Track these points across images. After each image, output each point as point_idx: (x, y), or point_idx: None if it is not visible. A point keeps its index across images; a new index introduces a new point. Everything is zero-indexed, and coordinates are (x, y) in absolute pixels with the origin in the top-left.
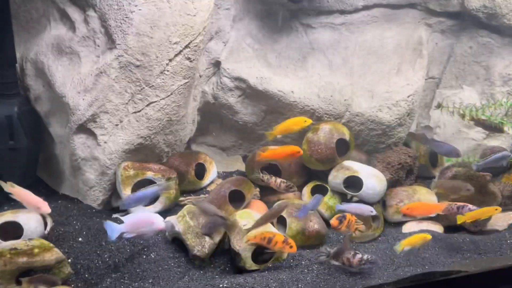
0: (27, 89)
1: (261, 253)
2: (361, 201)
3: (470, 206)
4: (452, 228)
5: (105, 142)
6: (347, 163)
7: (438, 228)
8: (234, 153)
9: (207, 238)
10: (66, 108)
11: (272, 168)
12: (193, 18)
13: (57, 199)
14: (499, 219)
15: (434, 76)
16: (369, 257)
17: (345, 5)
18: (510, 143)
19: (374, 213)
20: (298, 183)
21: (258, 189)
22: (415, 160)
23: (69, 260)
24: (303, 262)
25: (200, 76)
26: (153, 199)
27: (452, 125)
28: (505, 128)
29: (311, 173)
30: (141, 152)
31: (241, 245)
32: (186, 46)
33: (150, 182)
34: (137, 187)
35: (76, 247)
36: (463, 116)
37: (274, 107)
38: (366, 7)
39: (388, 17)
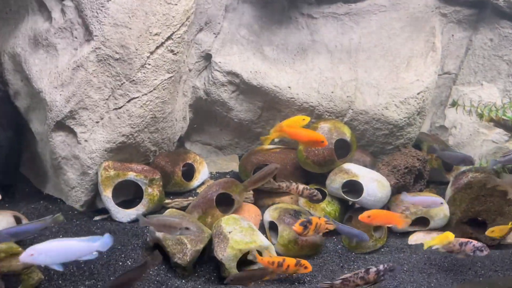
0: (6, 84)
1: (248, 262)
2: (362, 208)
3: (474, 242)
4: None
5: (85, 140)
6: (346, 166)
7: None
8: (231, 152)
9: (188, 245)
10: (43, 104)
11: (259, 167)
12: (175, 7)
13: (40, 199)
14: None
15: (450, 71)
16: (386, 266)
17: None
18: None
19: (444, 205)
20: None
21: (252, 192)
22: (425, 163)
23: (43, 266)
24: (294, 274)
25: (190, 70)
26: (33, 234)
27: (469, 126)
28: None
29: (310, 175)
30: (125, 151)
31: (225, 254)
32: (169, 38)
33: (132, 183)
34: (119, 187)
35: None
36: (481, 116)
37: (270, 103)
38: None
39: (397, 6)
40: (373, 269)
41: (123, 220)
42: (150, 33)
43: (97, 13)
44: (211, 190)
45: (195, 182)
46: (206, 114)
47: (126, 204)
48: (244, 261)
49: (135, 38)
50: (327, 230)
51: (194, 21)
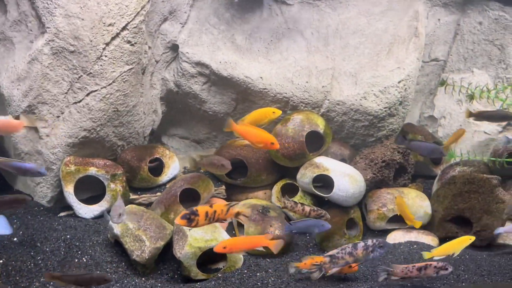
0: None
1: (212, 260)
2: (334, 204)
3: (434, 263)
4: (449, 240)
5: (47, 136)
6: (318, 159)
7: (430, 240)
8: (210, 146)
9: (147, 243)
10: (2, 98)
11: (238, 163)
12: None
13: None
14: None
15: (438, 58)
16: (375, 241)
17: None
18: None
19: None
20: (268, 180)
21: (223, 187)
22: (408, 156)
23: (1, 261)
24: (258, 274)
25: (157, 62)
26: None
27: (458, 116)
28: None
29: (285, 169)
30: (89, 146)
31: (183, 252)
32: (124, 28)
33: (94, 178)
34: (86, 183)
35: (10, 247)
36: (471, 97)
37: (244, 95)
38: None
39: None
40: (361, 244)
41: (86, 216)
42: (104, 23)
43: (48, 4)
44: (175, 185)
45: (164, 177)
46: (180, 107)
47: (95, 199)
48: (213, 259)
49: (88, 29)
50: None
51: (156, 10)
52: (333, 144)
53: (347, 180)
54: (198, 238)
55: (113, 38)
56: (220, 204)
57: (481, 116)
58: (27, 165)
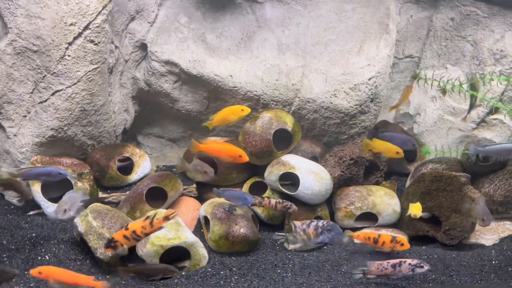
0: None
1: (178, 258)
2: (301, 202)
3: (409, 260)
4: (421, 238)
5: (14, 135)
6: (285, 157)
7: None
8: (186, 145)
9: None
10: None
11: (208, 161)
12: None
13: None
14: (489, 230)
15: (413, 55)
16: (324, 223)
17: None
18: (507, 135)
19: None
20: (238, 179)
21: (194, 185)
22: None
23: None
24: (221, 272)
25: (126, 61)
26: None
27: (433, 112)
28: (502, 116)
29: (256, 167)
30: (58, 146)
31: (144, 250)
32: (86, 28)
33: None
34: (57, 182)
35: None
36: (443, 92)
37: (215, 93)
38: None
39: None
40: (313, 223)
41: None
42: (65, 23)
43: (9, 5)
44: (142, 184)
45: (134, 176)
46: (153, 106)
47: None
48: (179, 257)
49: (50, 29)
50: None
51: (122, 10)
52: (304, 142)
53: (312, 178)
54: (160, 236)
55: (75, 38)
56: (136, 223)
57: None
58: (48, 169)
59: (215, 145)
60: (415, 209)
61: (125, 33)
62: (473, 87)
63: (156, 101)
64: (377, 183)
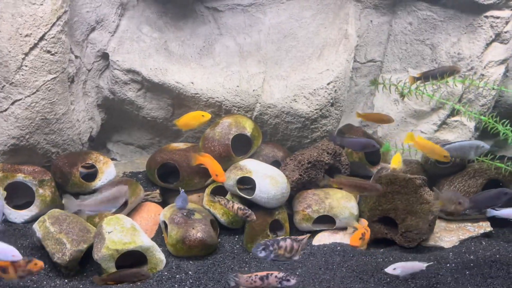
0: None
1: (136, 263)
2: (259, 206)
3: (276, 273)
4: (379, 241)
5: None
6: (242, 162)
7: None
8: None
9: (68, 245)
10: None
11: (170, 166)
12: (41, 8)
13: None
14: (449, 232)
15: (375, 59)
16: (283, 275)
17: None
18: (468, 136)
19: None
20: (201, 184)
21: (158, 191)
22: (340, 157)
23: None
24: (177, 276)
25: (89, 70)
26: None
27: (396, 116)
28: (462, 118)
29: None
30: (22, 154)
31: (100, 254)
32: (41, 39)
33: (22, 184)
34: (22, 189)
35: None
36: (401, 95)
37: (178, 100)
38: None
39: None
40: (274, 275)
41: (17, 221)
42: (21, 34)
43: None
44: (104, 189)
45: (97, 183)
46: (119, 114)
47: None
48: (137, 261)
49: (6, 40)
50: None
51: (81, 20)
52: (266, 147)
53: (268, 181)
54: (116, 241)
55: (31, 48)
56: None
57: (425, 76)
58: None
59: (207, 159)
60: (394, 163)
61: (86, 43)
62: None
63: (122, 109)
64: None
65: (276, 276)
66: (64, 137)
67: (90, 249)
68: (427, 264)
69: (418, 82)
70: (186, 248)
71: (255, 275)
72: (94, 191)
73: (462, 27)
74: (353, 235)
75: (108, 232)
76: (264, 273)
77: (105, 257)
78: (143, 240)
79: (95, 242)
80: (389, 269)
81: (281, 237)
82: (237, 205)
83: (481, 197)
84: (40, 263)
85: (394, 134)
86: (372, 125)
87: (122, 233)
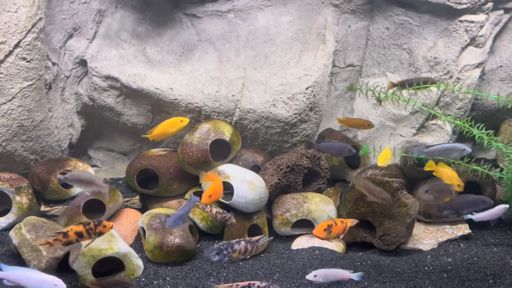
0: None
1: (114, 269)
2: (238, 210)
3: (258, 283)
4: (358, 245)
5: None
6: (221, 167)
7: (335, 245)
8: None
9: (44, 253)
10: None
11: (150, 172)
12: (16, 15)
13: None
14: (428, 234)
15: (354, 64)
16: (265, 284)
17: None
18: (446, 139)
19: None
20: (181, 189)
21: (137, 197)
22: (319, 161)
23: None
24: (155, 282)
25: (67, 77)
26: None
27: (375, 119)
28: (442, 122)
29: (196, 178)
30: None
31: (76, 261)
32: (16, 46)
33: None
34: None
35: None
36: (378, 100)
37: (157, 106)
38: None
39: (284, 0)
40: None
41: None
42: None
43: None
44: (80, 197)
45: (76, 189)
46: (100, 120)
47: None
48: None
49: None
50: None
51: (57, 27)
52: (246, 151)
53: (246, 186)
54: (92, 247)
55: (6, 56)
56: None
57: (402, 84)
58: None
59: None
60: (380, 161)
61: (64, 50)
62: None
63: (102, 116)
64: (319, 190)
65: (258, 286)
66: (42, 144)
67: (67, 256)
68: (358, 274)
69: (395, 88)
70: (164, 254)
71: (236, 285)
72: (72, 198)
73: (438, 31)
74: (317, 226)
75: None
76: (246, 283)
77: (81, 264)
78: (120, 246)
79: (72, 249)
80: (310, 276)
81: (236, 240)
82: (215, 209)
83: (460, 201)
84: (110, 224)
85: (374, 138)
86: (352, 129)
87: (99, 239)
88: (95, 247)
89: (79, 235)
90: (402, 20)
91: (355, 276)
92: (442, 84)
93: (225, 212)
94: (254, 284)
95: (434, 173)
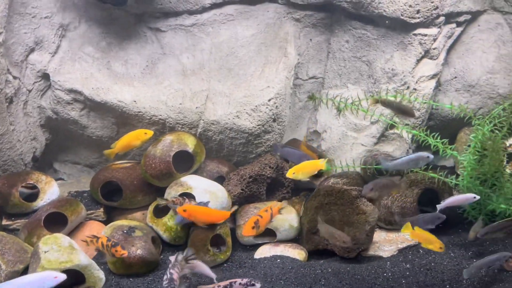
0: None
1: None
2: None
3: (239, 280)
4: (321, 252)
5: None
6: (184, 178)
7: (297, 253)
8: None
9: (3, 266)
10: None
11: (112, 184)
12: None
13: None
14: (389, 241)
15: (316, 76)
16: (247, 281)
17: (190, 4)
18: (406, 148)
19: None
20: (145, 201)
21: (102, 209)
22: (282, 171)
23: None
24: None
25: (29, 91)
26: None
27: (337, 129)
28: (399, 131)
29: (161, 189)
30: None
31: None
32: None
33: None
34: None
35: None
36: (338, 109)
37: (122, 119)
38: (215, 5)
39: (246, 14)
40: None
41: None
42: None
43: None
44: (42, 210)
45: (39, 203)
46: (64, 133)
47: None
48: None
49: None
50: None
51: (19, 41)
52: (211, 163)
53: (207, 197)
54: (52, 260)
55: None
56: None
57: (385, 103)
58: None
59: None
60: (289, 174)
61: (26, 64)
62: None
63: (67, 129)
64: (284, 199)
65: (240, 283)
66: (4, 158)
67: (27, 269)
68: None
69: (377, 104)
70: (125, 265)
71: (217, 286)
72: (35, 211)
73: (394, 44)
74: (245, 225)
75: (45, 252)
76: (227, 282)
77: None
78: (80, 258)
79: (31, 262)
80: None
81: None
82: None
83: (416, 220)
84: (123, 252)
85: (337, 148)
86: (317, 139)
87: (59, 252)
88: (54, 260)
89: (102, 246)
90: (361, 33)
91: None
92: (399, 95)
93: (203, 202)
94: (235, 282)
95: (411, 236)
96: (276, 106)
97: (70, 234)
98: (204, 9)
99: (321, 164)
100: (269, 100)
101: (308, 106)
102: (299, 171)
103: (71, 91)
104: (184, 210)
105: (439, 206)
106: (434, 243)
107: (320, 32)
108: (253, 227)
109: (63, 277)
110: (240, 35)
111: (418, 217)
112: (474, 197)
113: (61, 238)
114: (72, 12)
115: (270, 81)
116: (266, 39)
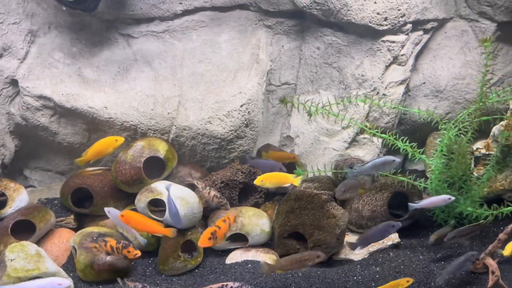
0: None
1: None
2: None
3: (231, 283)
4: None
5: None
6: (154, 184)
7: (268, 258)
8: None
9: None
10: None
11: (83, 190)
12: None
13: None
14: None
15: (289, 82)
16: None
17: (161, 11)
18: (376, 152)
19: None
20: (116, 208)
21: (72, 216)
22: (255, 175)
23: None
24: None
25: None
26: None
27: (310, 134)
28: (369, 136)
29: (132, 196)
30: None
31: (0, 282)
32: None
33: None
34: None
35: None
36: (309, 113)
37: (93, 125)
38: (187, 12)
39: (218, 21)
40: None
41: None
42: None
43: None
44: (9, 218)
45: (8, 210)
46: (35, 140)
47: None
48: None
49: None
50: None
51: None
52: (184, 168)
53: (178, 202)
54: (18, 268)
55: None
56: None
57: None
58: None
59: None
60: (256, 181)
61: None
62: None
63: (37, 135)
64: (257, 204)
65: (231, 287)
66: None
67: None
68: None
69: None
70: (95, 272)
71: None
72: (2, 219)
73: (364, 51)
74: (201, 236)
75: (11, 260)
76: (219, 284)
77: (6, 286)
78: (47, 266)
79: None
80: None
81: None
82: (214, 192)
83: (370, 234)
84: (136, 252)
85: (309, 152)
86: (290, 144)
87: (26, 260)
88: (20, 267)
89: (112, 249)
90: (331, 40)
91: None
92: (368, 100)
93: (223, 198)
94: (227, 285)
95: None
96: (249, 112)
97: (39, 241)
98: (175, 16)
99: (292, 179)
100: (241, 106)
101: (282, 111)
102: (267, 180)
103: (40, 97)
104: (122, 216)
105: (411, 205)
106: (401, 283)
107: (292, 39)
108: (209, 238)
109: (67, 283)
110: (212, 41)
111: (371, 231)
112: (449, 198)
113: (28, 246)
114: (41, 18)
115: (242, 87)
116: (238, 45)
